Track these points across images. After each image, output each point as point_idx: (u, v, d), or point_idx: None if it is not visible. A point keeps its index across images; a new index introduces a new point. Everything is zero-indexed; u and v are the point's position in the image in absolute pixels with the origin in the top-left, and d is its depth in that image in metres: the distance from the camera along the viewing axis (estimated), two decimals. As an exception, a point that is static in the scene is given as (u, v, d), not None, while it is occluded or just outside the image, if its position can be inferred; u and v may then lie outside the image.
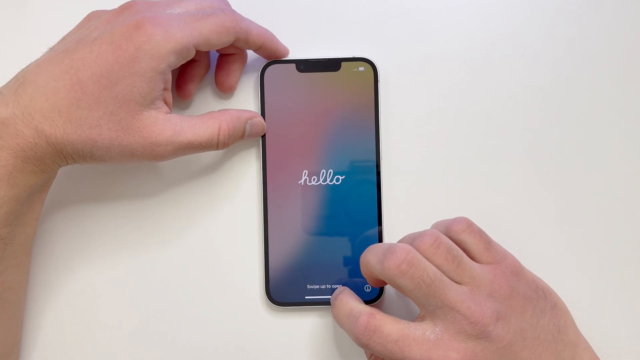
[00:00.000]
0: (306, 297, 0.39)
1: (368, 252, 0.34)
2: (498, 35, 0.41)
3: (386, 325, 0.32)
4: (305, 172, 0.39)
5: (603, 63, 0.40)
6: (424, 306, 0.32)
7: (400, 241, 0.34)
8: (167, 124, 0.34)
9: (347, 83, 0.39)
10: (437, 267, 0.32)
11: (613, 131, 0.40)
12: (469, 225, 0.34)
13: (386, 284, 0.36)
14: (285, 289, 0.39)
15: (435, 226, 0.36)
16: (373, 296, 0.39)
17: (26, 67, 0.34)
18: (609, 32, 0.40)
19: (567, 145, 0.40)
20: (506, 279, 0.33)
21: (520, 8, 0.41)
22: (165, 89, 0.35)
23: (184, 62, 0.35)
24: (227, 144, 0.37)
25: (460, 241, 0.34)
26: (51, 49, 0.35)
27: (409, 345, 0.31)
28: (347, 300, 0.34)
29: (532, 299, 0.34)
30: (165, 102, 0.35)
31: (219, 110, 0.37)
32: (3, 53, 0.41)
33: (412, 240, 0.33)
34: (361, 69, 0.39)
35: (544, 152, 0.40)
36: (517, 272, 0.34)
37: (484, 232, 0.35)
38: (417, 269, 0.31)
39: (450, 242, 0.33)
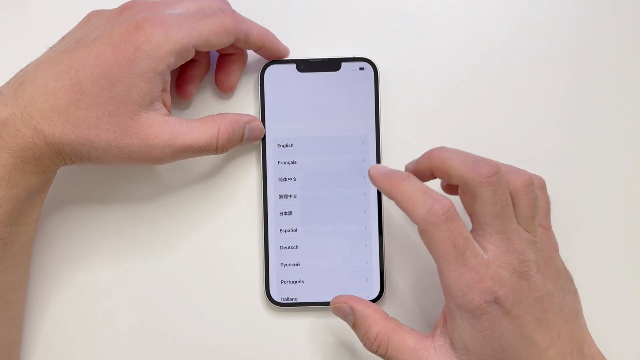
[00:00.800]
0: (306, 297, 0.39)
1: (448, 151, 0.34)
2: (498, 35, 0.41)
3: (461, 221, 0.32)
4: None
5: (604, 63, 0.40)
6: (484, 226, 0.32)
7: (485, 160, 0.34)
8: (164, 127, 0.34)
9: (347, 83, 0.39)
10: (517, 207, 0.33)
11: (614, 131, 0.40)
12: (544, 185, 0.36)
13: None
14: (285, 289, 0.39)
15: (510, 168, 0.35)
16: (373, 296, 0.39)
17: (26, 66, 0.34)
18: (609, 32, 0.40)
19: (567, 146, 0.40)
20: (549, 249, 0.34)
21: (520, 8, 0.41)
22: (164, 90, 0.35)
23: (183, 62, 0.35)
24: (226, 147, 0.36)
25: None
26: (51, 48, 0.35)
27: (469, 251, 0.31)
28: (421, 182, 0.33)
29: (563, 275, 0.34)
30: (164, 104, 0.35)
31: (217, 114, 0.37)
32: (3, 53, 0.41)
33: (506, 170, 0.33)
34: (361, 68, 0.39)
35: (544, 152, 0.40)
36: (556, 248, 0.35)
37: (550, 203, 0.36)
38: (501, 187, 0.32)
39: (537, 196, 0.33)
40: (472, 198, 0.32)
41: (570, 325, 0.33)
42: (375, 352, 0.34)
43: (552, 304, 0.33)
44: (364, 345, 0.34)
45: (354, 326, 0.35)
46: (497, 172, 0.31)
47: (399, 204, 0.33)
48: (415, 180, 0.33)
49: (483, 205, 0.31)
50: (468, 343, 0.32)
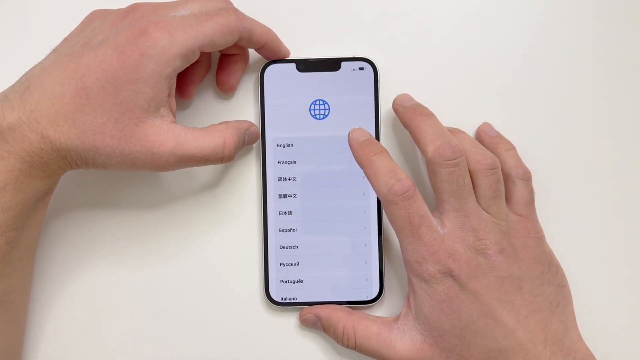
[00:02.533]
0: (305, 297, 0.39)
1: (428, 122, 0.36)
2: (498, 35, 0.41)
3: (420, 200, 0.34)
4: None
5: (604, 63, 0.40)
6: (442, 202, 0.35)
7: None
8: (169, 135, 0.34)
9: (347, 83, 0.39)
10: (478, 187, 0.35)
11: (613, 130, 0.40)
12: (529, 178, 0.37)
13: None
14: (285, 289, 0.39)
15: (478, 150, 0.37)
16: (372, 296, 0.39)
17: (31, 70, 0.34)
18: (609, 32, 0.40)
19: (567, 147, 0.40)
20: (525, 236, 0.35)
21: (520, 8, 0.41)
22: (169, 95, 0.34)
23: (188, 65, 0.34)
24: (232, 157, 0.36)
25: (512, 183, 0.37)
26: (55, 51, 0.35)
27: (425, 226, 0.34)
28: (391, 159, 0.35)
29: (543, 264, 0.35)
30: (170, 109, 0.35)
31: (220, 123, 0.37)
32: (3, 52, 0.41)
33: (474, 151, 0.35)
34: (361, 68, 0.39)
35: (543, 153, 0.40)
36: (539, 237, 0.36)
37: (534, 194, 0.37)
38: (460, 169, 0.34)
39: (502, 179, 0.35)
40: (433, 174, 0.35)
41: (545, 315, 0.34)
42: (347, 346, 0.37)
43: (520, 289, 0.34)
44: (337, 342, 0.37)
45: (324, 330, 0.38)
46: (457, 157, 0.34)
47: (367, 176, 0.35)
48: (385, 156, 0.35)
49: (440, 183, 0.34)
50: (428, 316, 0.34)
